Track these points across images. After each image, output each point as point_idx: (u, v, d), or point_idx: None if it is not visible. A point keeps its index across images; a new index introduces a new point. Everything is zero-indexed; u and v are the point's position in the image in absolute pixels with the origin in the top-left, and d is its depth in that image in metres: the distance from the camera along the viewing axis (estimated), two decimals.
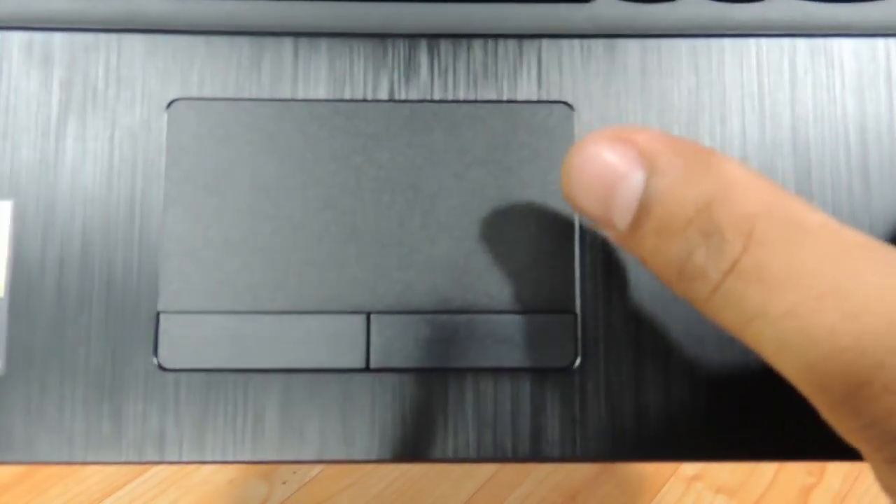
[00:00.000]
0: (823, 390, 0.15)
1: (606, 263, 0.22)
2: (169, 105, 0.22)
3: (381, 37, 0.23)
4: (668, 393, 0.22)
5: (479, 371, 0.22)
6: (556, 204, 0.22)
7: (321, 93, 0.23)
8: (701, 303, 0.17)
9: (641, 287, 0.22)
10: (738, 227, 0.16)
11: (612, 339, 0.22)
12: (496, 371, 0.22)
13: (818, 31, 0.23)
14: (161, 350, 0.22)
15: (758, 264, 0.15)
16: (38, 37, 0.23)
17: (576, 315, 0.22)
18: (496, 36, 0.23)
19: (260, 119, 0.22)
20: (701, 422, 0.21)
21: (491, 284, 0.22)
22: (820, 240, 0.15)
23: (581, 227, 0.22)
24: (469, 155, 0.22)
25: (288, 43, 0.23)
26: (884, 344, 0.14)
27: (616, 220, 0.18)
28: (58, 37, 0.23)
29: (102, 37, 0.23)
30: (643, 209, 0.17)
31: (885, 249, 0.15)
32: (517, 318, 0.22)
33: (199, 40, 0.23)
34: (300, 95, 0.23)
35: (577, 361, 0.22)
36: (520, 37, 0.23)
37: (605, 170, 0.17)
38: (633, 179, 0.17)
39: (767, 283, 0.15)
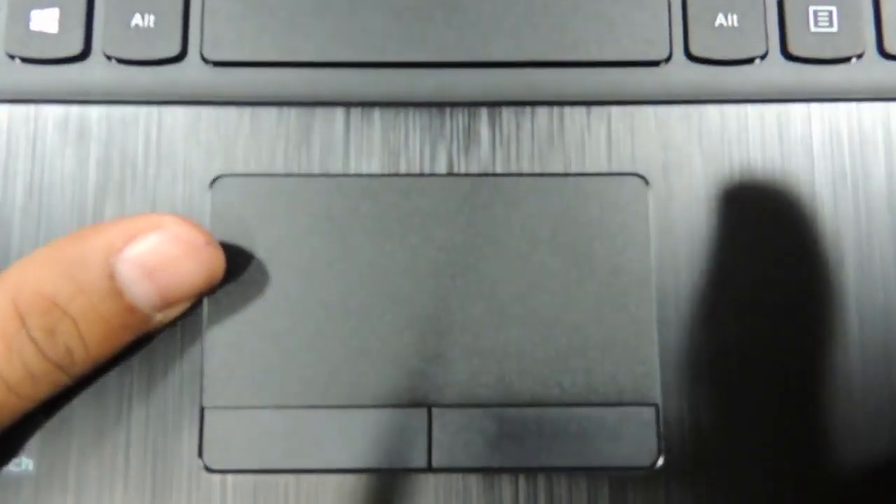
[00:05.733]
0: None
1: (690, 347, 0.20)
2: (212, 182, 0.21)
3: (438, 105, 0.22)
4: (759, 494, 0.20)
5: (551, 471, 0.20)
6: (632, 284, 0.20)
7: (375, 167, 0.21)
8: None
9: (730, 374, 0.20)
10: None
11: (699, 434, 0.20)
12: (571, 471, 0.20)
13: None
14: (206, 449, 0.20)
15: None
16: (74, 111, 0.21)
17: (657, 407, 0.20)
18: (562, 103, 0.21)
19: (310, 197, 0.21)
20: None
21: (562, 374, 0.20)
22: None
23: (661, 307, 0.20)
24: (535, 233, 0.21)
25: (339, 113, 0.21)
26: None
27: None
28: (94, 110, 0.21)
29: (142, 110, 0.21)
30: None
31: None
32: (592, 411, 0.20)
33: (244, 111, 0.21)
34: (352, 170, 0.21)
35: (661, 460, 0.20)
36: (588, 103, 0.21)
37: None
38: None
39: None
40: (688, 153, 0.21)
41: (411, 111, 0.21)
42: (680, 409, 0.20)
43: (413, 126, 0.21)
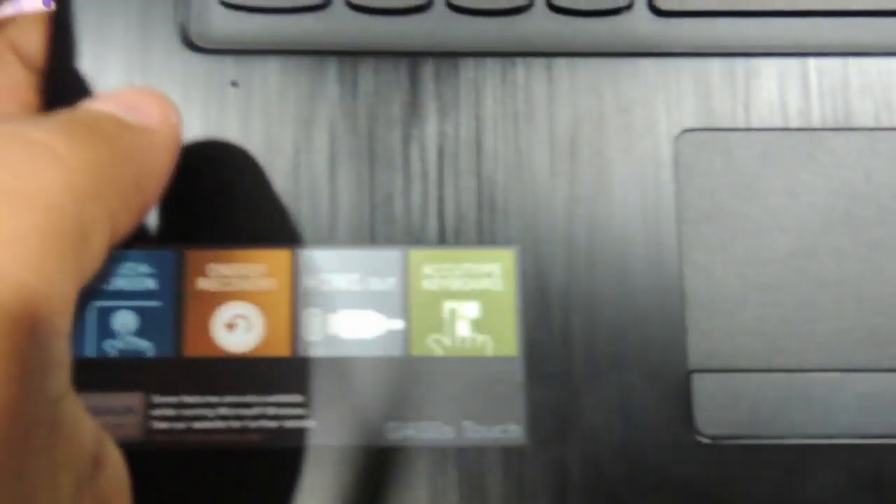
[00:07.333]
0: None
1: None
2: (677, 136, 0.20)
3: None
4: None
5: None
6: None
7: (839, 121, 0.20)
8: None
9: None
10: None
11: None
12: None
13: None
14: (698, 415, 0.19)
15: None
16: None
17: None
18: None
19: (779, 152, 0.20)
20: None
21: None
22: None
23: None
24: None
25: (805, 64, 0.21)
26: None
27: None
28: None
29: (592, 62, 0.20)
30: None
31: None
32: None
33: (696, 63, 0.20)
34: (829, 124, 0.20)
35: None
36: None
37: None
38: None
39: None
40: None
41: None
42: None
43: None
